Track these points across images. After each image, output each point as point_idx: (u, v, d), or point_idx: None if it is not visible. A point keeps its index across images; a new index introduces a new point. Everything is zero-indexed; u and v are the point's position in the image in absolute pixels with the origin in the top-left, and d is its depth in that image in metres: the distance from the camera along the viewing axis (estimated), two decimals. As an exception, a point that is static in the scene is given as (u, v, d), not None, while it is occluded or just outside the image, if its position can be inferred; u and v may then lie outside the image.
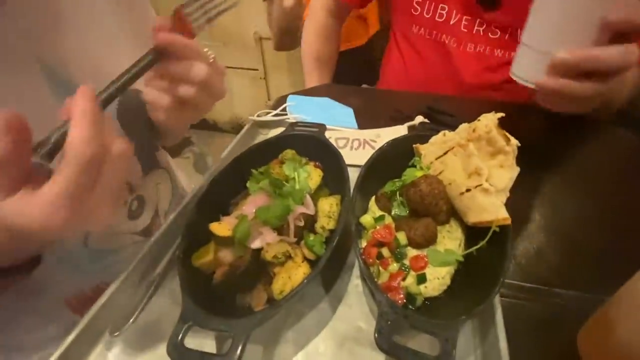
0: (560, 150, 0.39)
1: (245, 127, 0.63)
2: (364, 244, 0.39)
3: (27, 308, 0.45)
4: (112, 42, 0.46)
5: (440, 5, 0.75)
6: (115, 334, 0.35)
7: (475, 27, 0.74)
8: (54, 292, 0.47)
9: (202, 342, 0.34)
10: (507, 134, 0.38)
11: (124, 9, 0.48)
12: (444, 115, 0.65)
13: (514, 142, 0.37)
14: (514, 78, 0.48)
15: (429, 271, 0.36)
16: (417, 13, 0.79)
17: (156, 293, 0.39)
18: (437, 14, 0.76)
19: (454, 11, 0.74)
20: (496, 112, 0.40)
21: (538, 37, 0.46)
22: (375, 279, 0.36)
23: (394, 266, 0.36)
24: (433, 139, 0.45)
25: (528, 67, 0.47)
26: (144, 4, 0.54)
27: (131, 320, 0.37)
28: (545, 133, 0.60)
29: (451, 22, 0.76)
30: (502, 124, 0.39)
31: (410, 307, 0.34)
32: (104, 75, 0.44)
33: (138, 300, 0.38)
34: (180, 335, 0.30)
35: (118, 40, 0.47)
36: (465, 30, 0.75)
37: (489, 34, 0.73)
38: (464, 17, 0.74)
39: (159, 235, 0.42)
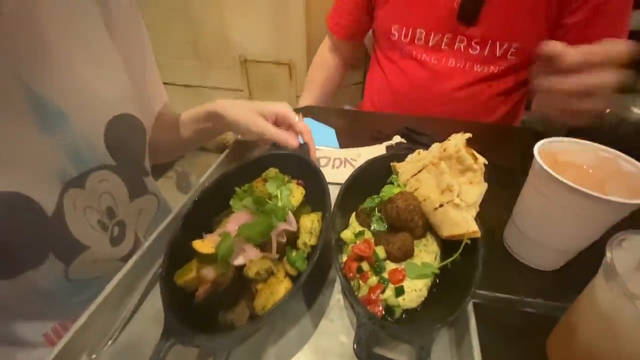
0: (527, 167, 0.42)
1: (229, 147, 0.64)
2: (344, 258, 0.40)
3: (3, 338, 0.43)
4: (101, 70, 0.46)
5: (418, 30, 0.79)
6: (93, 356, 0.35)
7: (457, 44, 0.77)
8: (33, 325, 0.45)
9: (184, 360, 0.34)
10: (475, 152, 0.41)
11: (115, 36, 0.49)
12: (420, 135, 0.68)
13: (482, 160, 0.40)
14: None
15: (407, 284, 0.37)
16: (395, 39, 0.83)
17: (137, 313, 0.39)
18: (416, 38, 0.80)
19: (432, 33, 0.78)
20: (465, 132, 0.43)
21: None
22: (356, 292, 0.37)
23: (373, 279, 0.38)
24: (409, 158, 0.48)
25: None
26: (138, 30, 0.55)
27: (110, 341, 0.36)
28: (513, 151, 0.64)
29: (430, 44, 0.79)
30: (470, 143, 0.42)
31: (389, 319, 0.36)
32: (92, 103, 0.45)
33: (118, 320, 0.38)
34: (162, 353, 0.30)
35: (107, 68, 0.47)
36: (447, 48, 0.78)
37: (469, 49, 0.76)
38: (445, 35, 0.77)
39: (139, 255, 0.42)
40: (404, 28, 0.80)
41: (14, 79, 0.37)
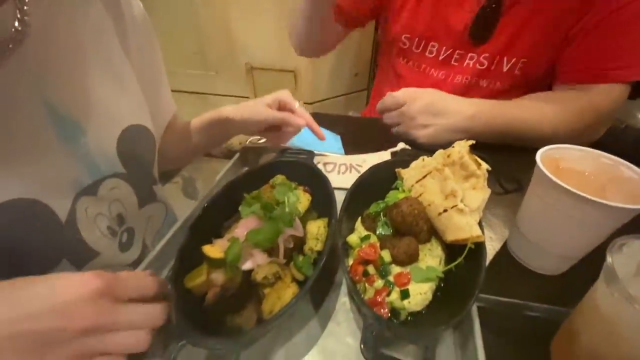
0: (529, 172, 0.43)
1: (237, 154, 0.66)
2: (350, 262, 0.41)
3: None
4: (115, 84, 0.48)
5: (431, 43, 0.79)
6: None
7: (466, 61, 0.77)
8: None
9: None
10: (478, 159, 0.42)
11: (129, 50, 0.51)
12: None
13: (485, 166, 0.41)
14: None
15: (412, 287, 0.38)
16: (406, 47, 0.82)
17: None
18: (427, 50, 0.80)
19: (444, 47, 0.78)
20: (469, 139, 0.44)
21: None
22: (362, 295, 0.38)
23: (379, 283, 0.38)
24: (413, 164, 0.49)
25: None
26: (151, 44, 0.58)
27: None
28: (516, 157, 0.65)
29: (440, 58, 0.79)
30: (474, 149, 0.43)
31: (394, 321, 0.36)
32: (107, 116, 0.47)
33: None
34: (174, 354, 0.31)
35: (121, 82, 0.50)
36: (456, 64, 0.78)
37: (477, 65, 0.76)
38: (456, 51, 0.77)
39: (149, 260, 0.43)
40: (417, 39, 0.80)
41: (36, 94, 0.39)
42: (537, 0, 0.66)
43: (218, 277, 0.38)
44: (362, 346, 0.29)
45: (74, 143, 0.43)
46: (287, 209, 0.42)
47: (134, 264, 0.53)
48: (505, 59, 0.74)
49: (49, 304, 0.28)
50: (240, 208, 0.43)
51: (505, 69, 0.75)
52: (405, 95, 0.69)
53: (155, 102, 0.59)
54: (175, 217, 0.65)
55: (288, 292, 0.37)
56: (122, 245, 0.51)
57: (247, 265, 0.38)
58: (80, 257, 0.46)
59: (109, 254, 0.49)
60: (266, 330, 0.36)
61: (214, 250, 0.39)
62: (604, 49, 0.65)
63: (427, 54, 0.80)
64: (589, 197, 0.35)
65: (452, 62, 0.79)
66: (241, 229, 0.40)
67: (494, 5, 0.70)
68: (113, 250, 0.50)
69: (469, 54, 0.76)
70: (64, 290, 0.28)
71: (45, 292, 0.28)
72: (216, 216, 0.46)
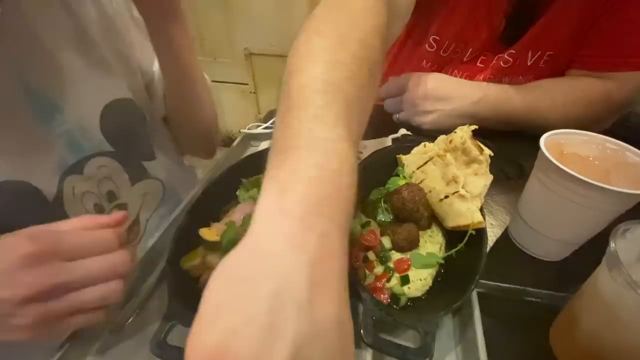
0: (532, 158, 0.43)
1: (237, 140, 0.65)
2: (350, 248, 0.41)
3: None
4: (90, 59, 0.47)
5: (460, 45, 0.74)
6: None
7: (493, 62, 0.73)
8: None
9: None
10: (480, 144, 0.41)
11: (107, 34, 0.50)
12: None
13: (487, 152, 0.41)
14: None
15: (412, 273, 0.38)
16: (433, 50, 0.77)
17: (147, 303, 0.40)
18: (453, 51, 0.75)
19: (470, 50, 0.73)
20: (472, 124, 0.43)
21: None
22: (362, 281, 0.38)
23: (379, 269, 0.38)
24: (415, 150, 0.48)
25: None
26: (129, 29, 0.55)
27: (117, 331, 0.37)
28: (519, 142, 0.64)
29: (465, 59, 0.75)
30: (476, 135, 0.42)
31: (394, 307, 0.36)
32: (84, 93, 0.47)
33: (127, 309, 0.39)
34: (163, 334, 0.31)
35: (100, 64, 0.49)
36: (482, 65, 0.74)
37: (501, 62, 0.72)
38: (483, 52, 0.73)
39: (148, 249, 0.43)
40: (447, 41, 0.75)
41: (13, 75, 0.39)
42: None
43: (213, 259, 0.38)
44: (362, 331, 0.29)
45: (51, 121, 0.43)
46: (286, 195, 0.42)
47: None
48: (529, 53, 0.70)
49: None
50: (238, 192, 0.43)
51: (529, 62, 0.71)
52: (407, 81, 0.67)
53: (138, 62, 0.57)
54: (178, 196, 0.65)
55: None
56: None
57: (242, 249, 0.38)
58: None
59: None
60: None
61: (211, 233, 0.38)
62: (624, 35, 0.62)
63: (452, 54, 0.76)
64: (593, 182, 0.35)
65: (478, 64, 0.75)
66: (238, 214, 0.39)
67: (526, 7, 0.66)
68: None
69: (497, 56, 0.72)
70: None
71: None
72: (215, 200, 0.45)
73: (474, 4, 0.69)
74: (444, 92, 0.65)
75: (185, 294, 0.34)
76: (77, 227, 0.32)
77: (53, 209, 0.43)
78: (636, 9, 0.60)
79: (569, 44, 0.68)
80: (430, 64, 0.79)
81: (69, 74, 0.45)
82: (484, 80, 0.74)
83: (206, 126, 0.67)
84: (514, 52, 0.70)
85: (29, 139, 0.41)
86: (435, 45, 0.76)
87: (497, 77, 0.74)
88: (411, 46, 0.82)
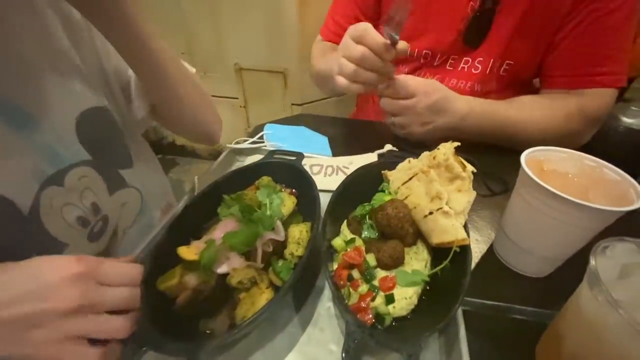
0: (516, 173, 0.43)
1: (223, 154, 0.64)
2: (335, 266, 0.40)
3: None
4: (61, 68, 0.47)
5: (425, 51, 0.78)
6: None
7: (461, 65, 0.77)
8: None
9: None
10: (463, 161, 0.42)
11: (76, 40, 0.49)
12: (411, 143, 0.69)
13: (470, 168, 0.41)
14: None
15: (397, 291, 0.37)
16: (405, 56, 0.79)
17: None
18: (422, 56, 0.79)
19: (439, 54, 0.77)
20: (454, 141, 0.43)
21: None
22: (346, 300, 0.37)
23: (363, 287, 0.38)
24: (399, 166, 0.48)
25: None
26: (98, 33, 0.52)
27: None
28: (502, 159, 0.65)
29: (435, 63, 0.79)
30: (459, 151, 0.43)
31: (379, 327, 0.35)
32: (58, 102, 0.46)
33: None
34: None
35: (72, 72, 0.48)
36: (451, 68, 0.78)
37: (472, 69, 0.76)
38: (451, 56, 0.77)
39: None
40: (409, 49, 0.77)
41: None
42: (529, 4, 0.66)
43: (191, 279, 0.36)
44: (343, 355, 0.28)
45: (27, 133, 0.42)
46: (268, 212, 0.41)
47: (104, 253, 0.52)
48: (491, 61, 0.74)
49: (32, 287, 0.29)
50: (219, 209, 0.42)
51: (494, 70, 0.75)
52: (417, 88, 0.65)
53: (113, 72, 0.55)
54: (157, 205, 0.63)
55: (262, 297, 0.36)
56: (92, 235, 0.50)
57: (222, 269, 0.37)
58: (48, 251, 0.44)
59: (77, 245, 0.47)
60: (234, 337, 0.34)
61: (189, 251, 0.37)
62: (590, 54, 0.66)
63: (421, 60, 0.80)
64: (572, 199, 0.35)
65: (447, 67, 0.78)
66: (219, 231, 0.39)
67: (486, 11, 0.70)
68: (81, 240, 0.48)
69: (464, 58, 0.76)
70: (46, 273, 0.30)
71: (26, 276, 0.29)
72: (197, 216, 0.44)
73: (430, 11, 0.74)
74: (443, 105, 0.66)
75: (158, 317, 0.33)
76: (113, 262, 0.35)
77: (29, 222, 0.42)
78: (597, 32, 0.64)
79: (528, 56, 0.72)
80: (407, 68, 0.83)
81: (40, 82, 0.44)
82: (457, 86, 0.79)
83: (198, 116, 0.63)
84: (482, 59, 0.74)
85: (4, 152, 0.40)
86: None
87: (470, 84, 0.77)
88: None
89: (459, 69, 0.77)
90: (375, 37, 0.57)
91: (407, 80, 0.65)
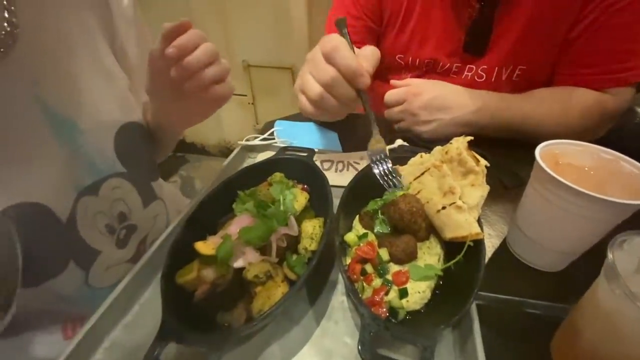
0: (529, 167, 0.43)
1: (235, 151, 0.65)
2: (348, 260, 0.41)
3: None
4: (106, 81, 0.48)
5: (427, 60, 0.77)
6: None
7: (465, 73, 0.75)
8: (52, 323, 0.47)
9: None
10: (476, 155, 0.41)
11: (122, 50, 0.51)
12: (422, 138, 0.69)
13: (483, 162, 0.41)
14: None
15: (410, 285, 0.38)
16: (402, 65, 0.80)
17: (143, 317, 0.40)
18: (425, 65, 0.78)
19: (441, 62, 0.76)
20: (470, 134, 0.43)
21: None
22: (360, 294, 0.37)
23: (377, 281, 0.38)
24: (411, 161, 0.48)
25: None
26: (144, 38, 0.57)
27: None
28: (515, 153, 0.64)
29: (438, 70, 0.78)
30: (472, 145, 0.42)
31: (393, 320, 0.36)
32: (101, 114, 0.47)
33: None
34: (156, 352, 0.30)
35: (114, 80, 0.50)
36: (455, 76, 0.77)
37: (476, 77, 0.75)
38: (454, 64, 0.75)
39: (147, 258, 0.43)
40: (410, 58, 0.78)
41: (31, 95, 0.39)
42: (532, 8, 0.65)
43: (208, 274, 0.37)
44: (359, 347, 0.29)
45: (72, 143, 0.43)
46: (282, 208, 0.42)
47: (133, 260, 0.53)
48: (503, 68, 0.73)
49: None
50: (234, 205, 0.43)
51: (504, 77, 0.74)
52: (407, 91, 0.68)
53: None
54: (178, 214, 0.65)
55: (278, 291, 0.37)
56: (119, 242, 0.51)
57: (238, 263, 0.38)
58: (85, 258, 0.46)
59: (108, 252, 0.49)
60: (252, 329, 0.35)
61: (206, 246, 0.38)
62: (608, 51, 0.64)
63: (424, 68, 0.79)
64: (588, 192, 0.35)
65: (451, 75, 0.77)
66: (234, 226, 0.39)
67: (484, 18, 0.68)
68: (111, 247, 0.50)
69: (467, 66, 0.75)
70: None
71: None
72: (212, 213, 0.45)
73: (430, 20, 0.73)
74: (443, 101, 0.66)
75: (179, 310, 0.34)
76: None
77: (67, 230, 0.43)
78: (612, 28, 0.62)
79: (540, 58, 0.70)
80: (410, 75, 0.81)
81: (87, 94, 0.45)
82: None
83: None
84: (486, 67, 0.73)
85: (47, 160, 0.41)
86: (402, 63, 0.80)
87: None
88: (385, 64, 0.82)
89: (463, 76, 0.76)
90: (347, 58, 0.48)
91: (396, 90, 0.69)
